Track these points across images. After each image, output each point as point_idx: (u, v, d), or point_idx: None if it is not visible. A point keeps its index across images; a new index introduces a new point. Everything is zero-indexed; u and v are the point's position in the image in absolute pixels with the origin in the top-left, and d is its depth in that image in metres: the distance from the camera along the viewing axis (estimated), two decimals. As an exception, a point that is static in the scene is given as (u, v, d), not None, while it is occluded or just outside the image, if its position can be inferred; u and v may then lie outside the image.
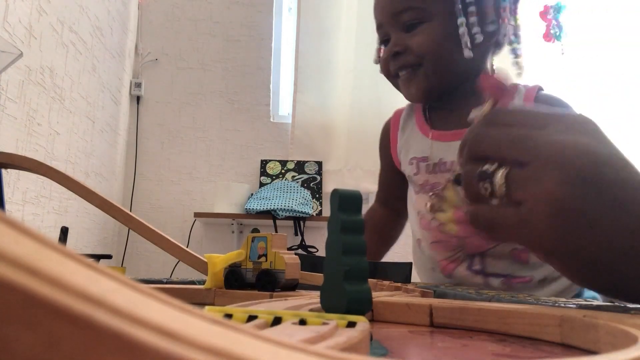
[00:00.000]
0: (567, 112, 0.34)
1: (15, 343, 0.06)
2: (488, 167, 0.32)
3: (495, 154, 0.32)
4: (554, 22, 2.27)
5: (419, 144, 0.76)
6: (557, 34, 2.25)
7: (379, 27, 0.74)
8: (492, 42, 0.71)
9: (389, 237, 0.91)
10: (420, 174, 0.74)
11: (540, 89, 0.73)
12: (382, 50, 0.76)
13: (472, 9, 0.67)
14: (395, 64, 0.71)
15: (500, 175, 0.31)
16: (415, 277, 0.61)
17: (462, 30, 0.67)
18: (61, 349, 0.06)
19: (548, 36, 2.32)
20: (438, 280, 0.74)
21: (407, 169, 0.78)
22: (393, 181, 0.86)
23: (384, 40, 0.74)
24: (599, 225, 0.29)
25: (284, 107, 2.45)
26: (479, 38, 0.67)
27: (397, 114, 0.84)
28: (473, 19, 0.67)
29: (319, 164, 2.27)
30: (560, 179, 0.29)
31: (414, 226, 0.79)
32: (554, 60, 2.29)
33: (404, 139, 0.80)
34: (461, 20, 0.67)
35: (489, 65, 0.75)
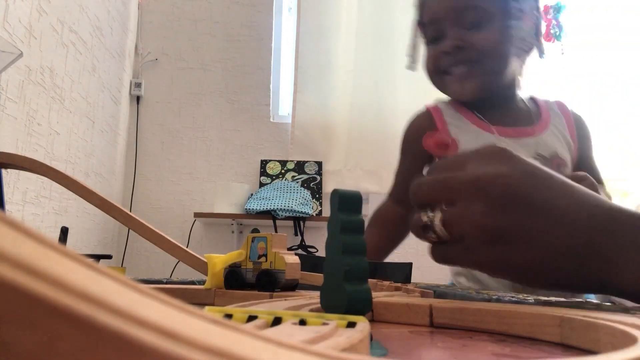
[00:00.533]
0: (483, 147, 0.38)
1: (15, 343, 0.06)
2: (426, 220, 0.36)
3: (428, 199, 0.37)
4: (554, 22, 2.27)
5: (480, 140, 0.75)
6: (557, 34, 2.25)
7: (433, 23, 0.75)
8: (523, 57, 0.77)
9: (399, 235, 0.90)
10: None
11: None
12: (416, 47, 0.80)
13: (519, 14, 0.73)
14: (451, 59, 0.73)
15: (438, 223, 0.35)
16: (415, 277, 0.61)
17: (523, 34, 0.73)
18: (61, 349, 0.06)
19: (548, 36, 2.32)
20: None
21: None
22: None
23: (433, 37, 0.76)
24: (528, 238, 0.34)
25: (284, 107, 2.45)
26: (530, 45, 0.74)
27: (436, 110, 0.82)
28: (528, 24, 0.73)
29: (319, 164, 2.26)
30: (482, 210, 0.34)
31: None
32: (554, 60, 2.28)
33: (457, 134, 0.78)
34: (518, 24, 0.72)
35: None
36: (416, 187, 0.38)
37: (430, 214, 0.36)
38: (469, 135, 0.77)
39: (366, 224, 0.82)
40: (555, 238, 0.33)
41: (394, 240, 0.90)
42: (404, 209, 0.87)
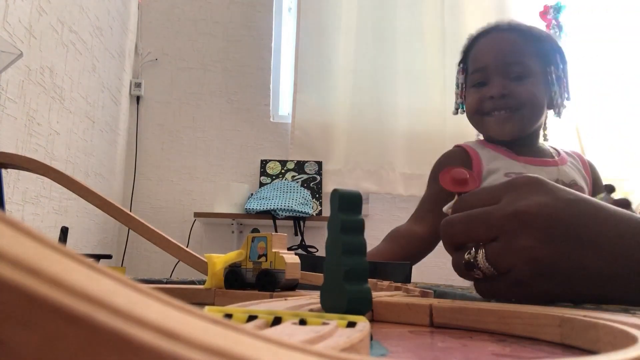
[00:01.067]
0: (515, 179, 0.38)
1: (15, 343, 0.06)
2: (468, 257, 0.36)
3: (467, 238, 0.37)
4: (554, 22, 2.27)
5: (510, 166, 0.85)
6: (557, 34, 2.25)
7: (480, 71, 0.88)
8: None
9: (409, 252, 0.90)
10: None
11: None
12: (463, 93, 0.92)
13: (553, 76, 0.87)
14: (495, 104, 0.85)
15: (482, 260, 0.35)
16: (415, 277, 0.61)
17: (555, 90, 0.86)
18: (61, 349, 0.06)
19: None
20: None
21: (500, 182, 0.81)
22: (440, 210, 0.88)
23: (478, 82, 0.88)
24: (580, 268, 0.33)
25: (283, 107, 2.45)
26: (564, 98, 0.87)
27: (468, 146, 0.92)
28: (557, 86, 0.87)
29: (319, 164, 2.26)
30: (530, 243, 0.33)
31: None
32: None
33: (488, 162, 0.88)
34: (554, 87, 0.87)
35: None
36: (448, 225, 0.37)
37: (473, 251, 0.36)
38: (498, 162, 0.86)
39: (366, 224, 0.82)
40: (607, 265, 0.33)
41: (402, 256, 0.90)
42: (421, 227, 0.91)
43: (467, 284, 0.73)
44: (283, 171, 2.25)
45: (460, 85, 0.94)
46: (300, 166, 2.26)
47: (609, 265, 0.33)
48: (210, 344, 0.07)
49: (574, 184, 0.85)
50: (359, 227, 0.27)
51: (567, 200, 0.35)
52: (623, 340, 0.20)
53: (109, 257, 0.56)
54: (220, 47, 2.39)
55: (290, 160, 2.27)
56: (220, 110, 2.36)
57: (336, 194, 0.27)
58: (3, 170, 0.53)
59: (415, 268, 0.60)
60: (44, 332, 0.06)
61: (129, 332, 0.07)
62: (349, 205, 0.27)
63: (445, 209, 0.42)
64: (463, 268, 0.37)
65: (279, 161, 2.28)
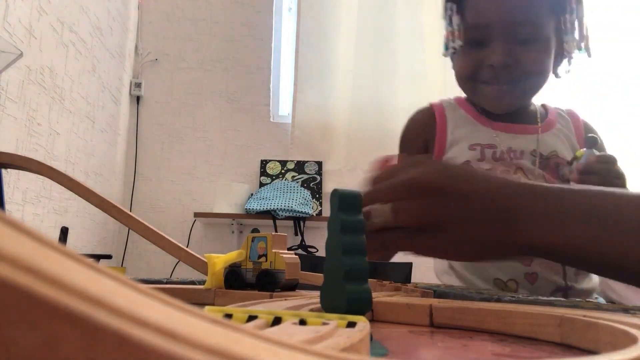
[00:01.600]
0: (413, 158, 0.46)
1: (15, 343, 0.06)
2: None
3: (378, 201, 0.43)
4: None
5: (476, 136, 0.76)
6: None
7: (482, 28, 0.70)
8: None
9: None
10: (485, 160, 0.74)
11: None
12: (454, 35, 0.74)
13: (569, 27, 0.72)
14: (494, 74, 0.70)
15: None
16: (415, 277, 0.61)
17: (569, 39, 0.71)
18: (61, 349, 0.06)
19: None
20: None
21: (463, 156, 0.76)
22: None
23: (475, 41, 0.71)
24: (455, 222, 0.40)
25: (284, 107, 2.45)
26: (571, 59, 0.74)
27: (439, 107, 0.82)
28: (570, 38, 0.72)
29: (319, 164, 2.26)
30: (414, 204, 0.41)
31: None
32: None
33: (454, 130, 0.78)
34: (569, 39, 0.71)
35: None
36: (368, 195, 0.43)
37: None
38: (465, 129, 0.78)
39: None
40: (478, 218, 0.40)
41: None
42: None
43: (466, 284, 0.73)
44: (283, 171, 2.25)
45: (457, 27, 0.73)
46: (300, 166, 2.26)
47: (479, 218, 0.40)
48: (210, 344, 0.07)
49: (553, 156, 0.75)
50: (359, 227, 0.27)
51: (441, 168, 0.44)
52: (623, 340, 0.20)
53: (109, 257, 0.56)
54: (220, 47, 2.39)
55: (290, 161, 2.27)
56: (220, 110, 2.36)
57: (336, 194, 0.27)
58: (3, 170, 0.53)
59: (415, 268, 0.60)
60: (44, 332, 0.06)
61: (129, 332, 0.07)
62: (349, 205, 0.27)
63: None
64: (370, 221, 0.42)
65: (279, 161, 2.28)
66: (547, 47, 0.70)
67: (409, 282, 0.53)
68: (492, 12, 0.69)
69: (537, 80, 0.72)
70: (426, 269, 1.12)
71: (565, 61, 0.76)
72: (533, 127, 0.77)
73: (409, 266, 0.53)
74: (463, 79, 0.75)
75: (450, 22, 0.74)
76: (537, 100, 0.82)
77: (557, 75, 0.77)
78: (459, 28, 0.73)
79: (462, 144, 0.76)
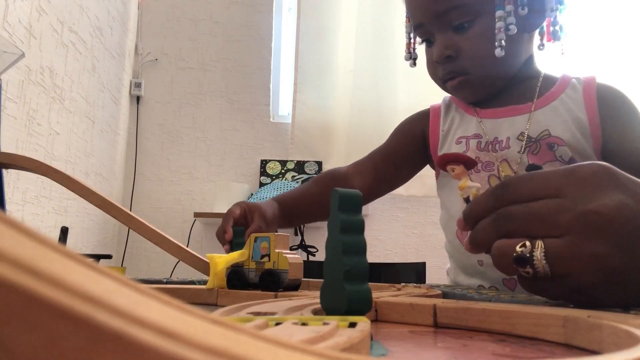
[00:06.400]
0: (579, 167, 0.33)
1: (15, 343, 0.06)
2: (522, 251, 0.32)
3: (524, 233, 0.32)
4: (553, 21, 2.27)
5: (467, 125, 0.73)
6: (557, 33, 2.25)
7: (419, 27, 0.70)
8: (532, 35, 0.70)
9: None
10: (469, 151, 0.71)
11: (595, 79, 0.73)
12: (411, 45, 0.74)
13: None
14: (444, 69, 0.68)
15: (539, 257, 0.31)
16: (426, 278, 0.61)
17: (500, 24, 0.63)
18: (61, 349, 0.06)
19: (548, 36, 2.32)
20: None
21: (451, 150, 0.74)
22: (387, 167, 0.83)
23: (425, 40, 0.71)
24: None
25: (283, 107, 2.45)
26: (513, 30, 0.63)
27: (435, 106, 0.81)
28: (509, 7, 0.63)
29: (319, 164, 2.26)
30: (601, 248, 0.30)
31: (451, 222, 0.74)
32: (554, 60, 2.28)
33: (444, 124, 0.77)
34: (500, 13, 0.63)
35: (536, 62, 0.74)
36: (505, 219, 0.33)
37: (529, 246, 0.32)
38: (455, 122, 0.76)
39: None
40: None
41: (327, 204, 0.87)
42: (359, 181, 0.82)
43: (472, 283, 0.73)
44: (283, 171, 2.25)
45: (408, 36, 0.75)
46: (300, 166, 2.26)
47: None
48: (210, 344, 0.07)
49: (545, 136, 0.67)
50: (359, 227, 0.27)
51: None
52: (627, 341, 0.20)
53: (109, 257, 0.56)
54: (220, 47, 2.39)
55: (290, 160, 2.27)
56: (220, 110, 2.36)
57: (336, 194, 0.27)
58: (3, 170, 0.53)
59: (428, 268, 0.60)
60: (44, 332, 0.06)
61: (129, 332, 0.07)
62: (349, 205, 0.27)
63: (465, 193, 0.39)
64: (511, 261, 0.32)
65: (279, 161, 2.28)
66: (485, 27, 0.64)
67: (424, 282, 0.52)
68: (419, 7, 0.68)
69: (487, 67, 0.66)
70: (429, 269, 1.12)
71: (538, 34, 0.72)
72: (524, 107, 0.70)
73: (422, 266, 0.53)
74: (433, 79, 0.74)
75: (406, 32, 0.75)
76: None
77: (539, 48, 0.73)
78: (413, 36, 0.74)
79: (450, 139, 0.75)
